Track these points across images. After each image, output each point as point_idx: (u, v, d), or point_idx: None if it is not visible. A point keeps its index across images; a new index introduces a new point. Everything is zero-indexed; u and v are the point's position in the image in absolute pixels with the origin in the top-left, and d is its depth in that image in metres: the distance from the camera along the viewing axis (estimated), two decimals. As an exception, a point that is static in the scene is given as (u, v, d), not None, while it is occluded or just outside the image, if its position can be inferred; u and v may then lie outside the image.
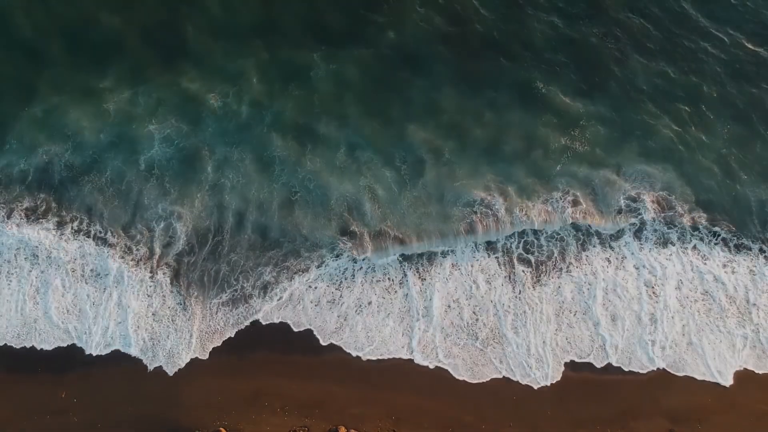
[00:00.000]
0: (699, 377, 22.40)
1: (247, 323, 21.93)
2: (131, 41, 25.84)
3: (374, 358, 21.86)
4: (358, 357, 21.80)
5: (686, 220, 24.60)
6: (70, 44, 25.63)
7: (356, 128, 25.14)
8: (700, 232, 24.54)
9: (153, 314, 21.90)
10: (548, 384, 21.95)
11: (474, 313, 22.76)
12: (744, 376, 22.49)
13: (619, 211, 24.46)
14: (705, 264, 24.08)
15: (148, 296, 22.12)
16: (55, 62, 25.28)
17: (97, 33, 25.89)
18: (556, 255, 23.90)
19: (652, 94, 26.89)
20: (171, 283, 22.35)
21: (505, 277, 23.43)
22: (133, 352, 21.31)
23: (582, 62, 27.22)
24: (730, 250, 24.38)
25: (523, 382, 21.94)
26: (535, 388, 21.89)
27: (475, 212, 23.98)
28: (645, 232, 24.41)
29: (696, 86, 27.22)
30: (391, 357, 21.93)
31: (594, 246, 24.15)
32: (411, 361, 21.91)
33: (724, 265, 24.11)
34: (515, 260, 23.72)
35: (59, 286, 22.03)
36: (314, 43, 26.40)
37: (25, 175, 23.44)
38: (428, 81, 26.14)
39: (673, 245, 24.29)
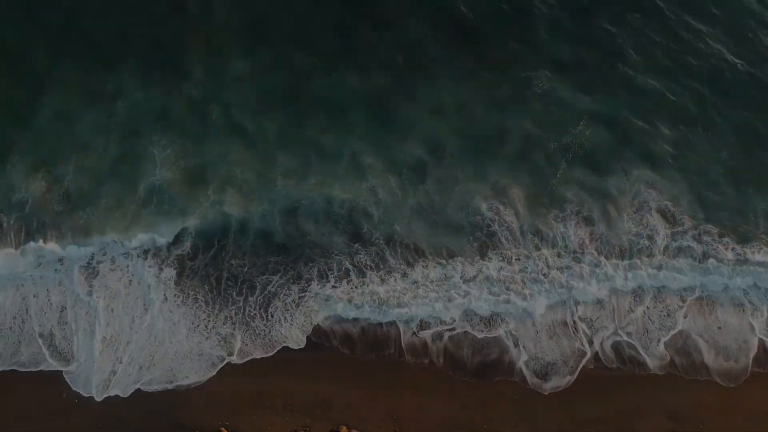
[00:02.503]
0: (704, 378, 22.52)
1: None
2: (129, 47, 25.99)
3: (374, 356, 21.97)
4: (359, 356, 21.82)
5: (693, 233, 24.73)
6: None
7: (358, 132, 25.35)
8: (707, 243, 24.67)
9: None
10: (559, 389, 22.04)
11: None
12: (747, 376, 22.55)
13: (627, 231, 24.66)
14: (711, 273, 24.24)
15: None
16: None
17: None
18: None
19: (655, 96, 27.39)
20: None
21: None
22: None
23: (584, 62, 27.74)
24: (737, 259, 24.58)
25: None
26: (546, 393, 21.89)
27: (486, 226, 24.09)
28: (656, 243, 24.57)
29: (701, 89, 27.74)
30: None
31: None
32: (412, 360, 21.92)
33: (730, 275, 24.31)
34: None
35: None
36: (315, 48, 26.72)
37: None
38: (429, 81, 26.55)
39: (682, 257, 24.42)
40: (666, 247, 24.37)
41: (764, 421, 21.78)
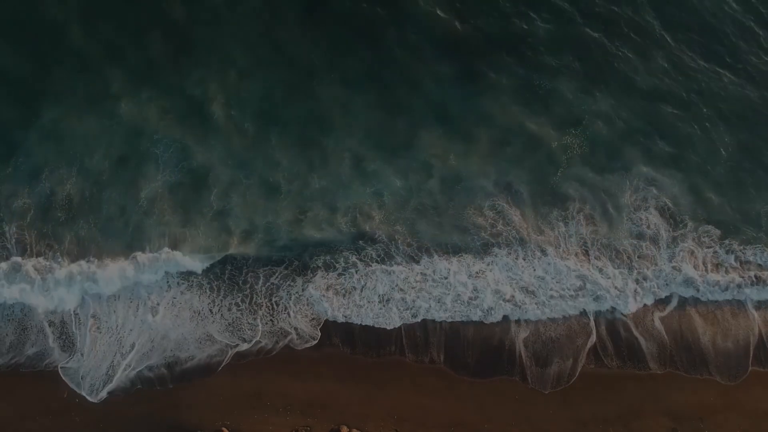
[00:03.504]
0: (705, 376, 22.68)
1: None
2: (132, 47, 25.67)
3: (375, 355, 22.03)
4: (360, 356, 21.86)
5: (695, 236, 24.78)
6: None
7: (361, 135, 25.26)
8: (710, 247, 24.78)
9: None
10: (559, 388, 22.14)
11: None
12: (747, 375, 22.72)
13: (631, 233, 24.67)
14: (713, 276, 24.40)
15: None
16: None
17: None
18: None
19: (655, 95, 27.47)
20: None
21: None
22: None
23: (586, 62, 27.73)
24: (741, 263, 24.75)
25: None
26: (546, 392, 21.97)
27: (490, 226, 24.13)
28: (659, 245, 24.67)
29: (702, 88, 27.78)
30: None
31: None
32: (413, 359, 21.98)
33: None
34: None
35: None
36: (316, 49, 26.57)
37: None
38: (430, 83, 26.47)
39: (685, 262, 24.47)
40: (670, 254, 24.45)
41: (764, 420, 21.87)
